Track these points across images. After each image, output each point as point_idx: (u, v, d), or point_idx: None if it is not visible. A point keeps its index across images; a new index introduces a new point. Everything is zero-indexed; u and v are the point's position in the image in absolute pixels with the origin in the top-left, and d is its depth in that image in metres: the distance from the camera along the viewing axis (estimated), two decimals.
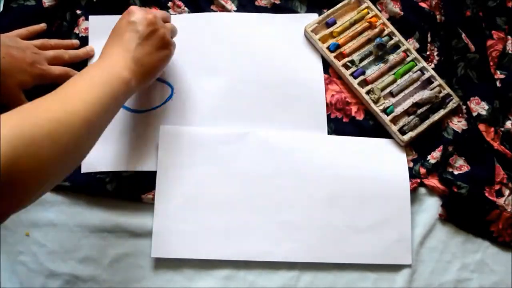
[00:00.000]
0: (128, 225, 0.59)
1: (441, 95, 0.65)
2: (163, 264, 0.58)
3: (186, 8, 0.68)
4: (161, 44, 0.55)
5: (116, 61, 0.52)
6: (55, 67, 0.61)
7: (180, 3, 0.68)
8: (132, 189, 0.60)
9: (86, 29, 0.66)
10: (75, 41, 0.65)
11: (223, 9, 0.68)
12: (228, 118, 0.63)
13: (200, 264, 0.58)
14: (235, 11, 0.68)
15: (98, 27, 0.66)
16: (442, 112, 0.64)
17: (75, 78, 0.50)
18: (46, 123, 0.42)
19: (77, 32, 0.66)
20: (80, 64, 0.63)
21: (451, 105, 0.65)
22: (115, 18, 0.66)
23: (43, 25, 0.65)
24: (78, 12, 0.66)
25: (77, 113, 0.45)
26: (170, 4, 0.68)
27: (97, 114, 0.47)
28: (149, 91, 0.64)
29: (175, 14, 0.67)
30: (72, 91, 0.48)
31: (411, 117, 0.64)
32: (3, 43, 0.57)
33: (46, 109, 0.44)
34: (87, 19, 0.66)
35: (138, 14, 0.55)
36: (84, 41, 0.65)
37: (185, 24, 0.66)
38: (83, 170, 0.60)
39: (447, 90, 0.65)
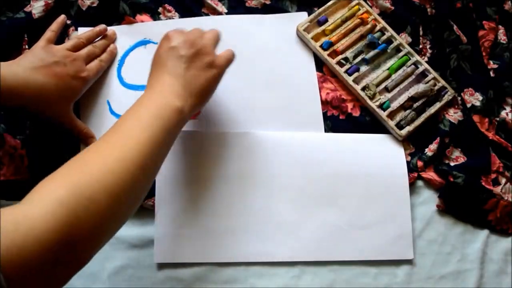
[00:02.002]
0: (126, 236, 0.59)
1: (436, 88, 0.65)
2: (163, 274, 0.59)
3: (176, 13, 0.67)
4: (207, 64, 0.53)
5: (165, 91, 0.50)
6: (92, 66, 0.60)
7: (170, 8, 0.67)
8: None
9: None
10: (103, 26, 0.64)
11: (214, 11, 0.68)
12: (223, 120, 0.63)
13: (201, 269, 0.59)
14: (226, 13, 0.68)
15: None
16: (438, 105, 0.64)
17: (124, 118, 0.48)
18: (101, 177, 0.40)
19: None
20: None
21: (446, 98, 0.65)
22: None
23: (63, 17, 0.63)
24: (68, 22, 0.66)
25: (131, 159, 0.43)
26: (160, 9, 0.67)
27: (151, 154, 0.45)
28: None
29: (166, 19, 0.67)
30: (123, 134, 0.46)
31: (408, 111, 0.64)
32: (45, 61, 0.55)
33: (98, 161, 0.42)
34: (76, 29, 0.66)
35: (177, 38, 0.53)
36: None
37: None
38: None
39: (442, 82, 0.65)
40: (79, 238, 0.38)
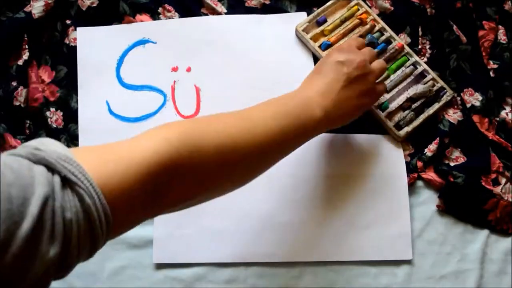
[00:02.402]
0: (126, 236, 0.59)
1: (434, 88, 0.65)
2: (163, 274, 0.59)
3: (176, 13, 0.67)
4: (364, 92, 0.52)
5: (314, 98, 0.50)
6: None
7: (170, 7, 0.67)
8: None
9: (76, 39, 0.66)
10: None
11: (214, 11, 0.68)
12: None
13: (201, 269, 0.59)
14: (226, 13, 0.68)
15: (86, 39, 0.65)
16: (436, 106, 0.64)
17: (267, 102, 0.48)
18: (216, 136, 0.41)
19: (67, 42, 0.66)
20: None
21: (445, 98, 0.65)
22: (102, 29, 0.66)
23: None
24: (68, 22, 0.66)
25: (253, 134, 0.43)
26: (160, 9, 0.68)
27: (274, 143, 0.45)
28: (142, 101, 0.64)
29: (165, 19, 0.67)
30: (258, 112, 0.46)
31: (406, 112, 0.64)
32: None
33: (221, 121, 0.43)
34: (76, 29, 0.66)
35: (348, 54, 0.52)
36: (73, 51, 0.65)
37: (176, 29, 0.66)
38: None
39: (441, 83, 0.65)
40: (177, 177, 0.38)
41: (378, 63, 0.56)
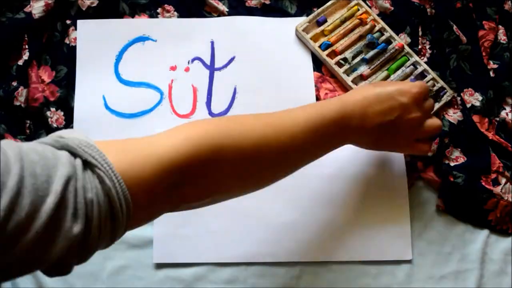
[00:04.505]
0: (126, 235, 0.59)
1: (435, 88, 0.65)
2: (163, 274, 0.59)
3: (175, 13, 0.67)
4: (407, 142, 0.53)
5: (352, 126, 0.48)
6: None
7: (169, 8, 0.67)
8: None
9: (76, 39, 0.65)
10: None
11: (216, 10, 0.68)
12: None
13: (201, 269, 0.59)
14: (227, 11, 0.68)
15: (86, 32, 0.65)
16: (437, 106, 0.64)
17: (298, 109, 0.47)
18: (237, 136, 0.42)
19: (67, 42, 0.66)
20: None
21: (445, 98, 0.65)
22: (104, 22, 0.66)
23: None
24: (68, 22, 0.66)
25: (276, 139, 0.43)
26: (159, 10, 0.68)
27: (300, 152, 0.46)
28: (138, 97, 0.64)
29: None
30: (285, 119, 0.45)
31: None
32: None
33: (248, 125, 0.43)
34: (76, 29, 0.66)
35: (417, 102, 0.51)
36: (73, 51, 0.65)
37: (176, 29, 0.66)
38: None
39: (441, 83, 0.65)
40: (197, 175, 0.39)
41: (430, 102, 0.55)
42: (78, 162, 0.33)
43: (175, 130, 0.41)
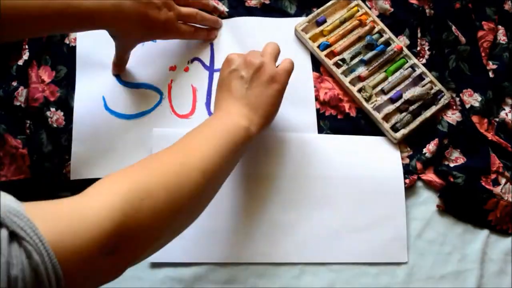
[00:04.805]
0: None
1: (432, 91, 0.65)
2: (163, 274, 0.58)
3: None
4: (267, 81, 0.54)
5: (231, 113, 0.52)
6: (183, 28, 0.61)
7: None
8: None
9: (76, 39, 0.66)
10: (211, 3, 0.66)
11: (215, 10, 0.68)
12: None
13: (200, 269, 0.59)
14: (227, 11, 0.68)
15: (86, 32, 0.64)
16: (434, 109, 0.64)
17: (192, 132, 0.50)
18: (161, 176, 0.42)
19: (67, 42, 0.66)
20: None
21: (442, 101, 0.65)
22: None
23: None
24: None
25: (194, 164, 0.45)
26: None
27: (215, 166, 0.46)
28: (138, 98, 0.64)
29: None
30: (189, 144, 0.48)
31: (403, 114, 0.64)
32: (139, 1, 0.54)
33: (162, 162, 0.44)
34: None
35: (236, 60, 0.55)
36: (73, 51, 0.65)
37: None
38: (72, 177, 0.60)
39: (439, 86, 0.65)
40: (135, 230, 0.38)
41: (267, 47, 0.57)
42: (4, 233, 0.30)
43: (104, 187, 0.39)
